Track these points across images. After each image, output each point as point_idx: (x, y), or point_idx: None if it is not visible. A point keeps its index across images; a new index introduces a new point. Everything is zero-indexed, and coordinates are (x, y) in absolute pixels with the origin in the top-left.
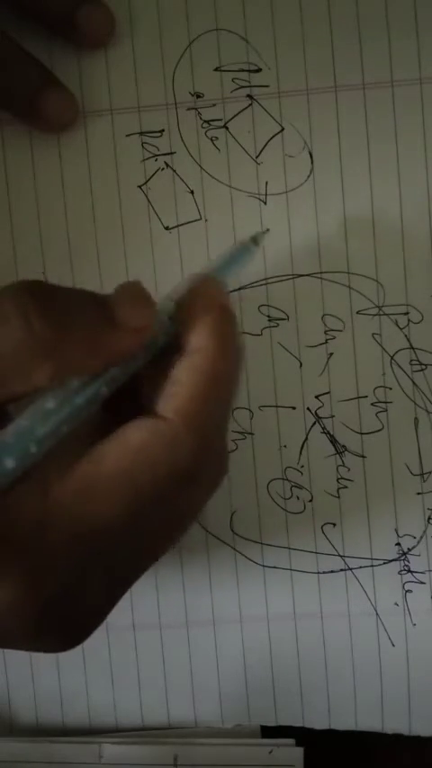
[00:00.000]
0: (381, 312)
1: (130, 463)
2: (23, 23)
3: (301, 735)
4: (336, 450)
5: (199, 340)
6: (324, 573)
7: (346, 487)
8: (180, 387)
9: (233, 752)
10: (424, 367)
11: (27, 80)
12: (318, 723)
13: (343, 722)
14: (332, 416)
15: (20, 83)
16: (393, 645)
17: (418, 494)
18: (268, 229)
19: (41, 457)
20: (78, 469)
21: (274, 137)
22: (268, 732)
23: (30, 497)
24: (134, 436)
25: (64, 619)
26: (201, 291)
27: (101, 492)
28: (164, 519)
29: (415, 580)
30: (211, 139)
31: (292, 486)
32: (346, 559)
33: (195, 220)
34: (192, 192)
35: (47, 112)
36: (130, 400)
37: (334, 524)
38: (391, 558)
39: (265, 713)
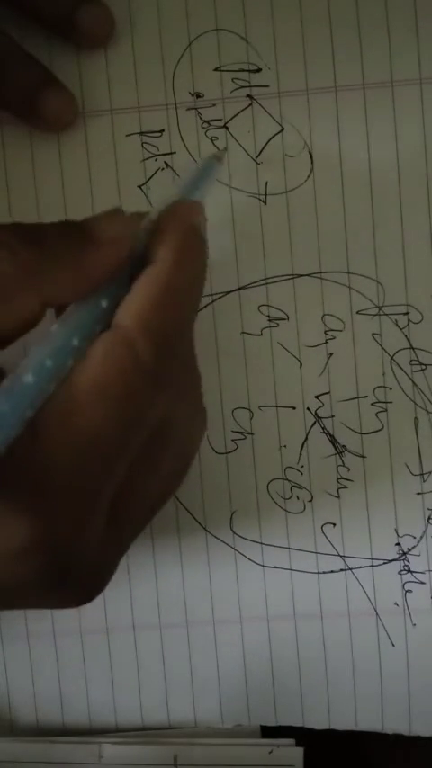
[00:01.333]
0: (381, 312)
1: (100, 373)
2: (23, 23)
3: (301, 735)
4: (336, 450)
5: (160, 252)
6: (324, 573)
7: (346, 487)
8: (136, 295)
9: (233, 752)
10: (424, 367)
11: (27, 80)
12: (318, 723)
13: (343, 722)
14: (332, 416)
15: (19, 82)
16: (393, 645)
17: (418, 494)
18: (227, 148)
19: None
20: (58, 395)
21: (274, 137)
22: (268, 732)
23: (21, 438)
24: (98, 348)
25: (77, 562)
26: (169, 212)
27: (82, 406)
28: (149, 427)
29: (415, 580)
30: (211, 139)
31: (292, 486)
32: (346, 559)
33: None
34: None
35: (46, 112)
36: None
37: (334, 524)
38: (391, 558)
39: (265, 713)
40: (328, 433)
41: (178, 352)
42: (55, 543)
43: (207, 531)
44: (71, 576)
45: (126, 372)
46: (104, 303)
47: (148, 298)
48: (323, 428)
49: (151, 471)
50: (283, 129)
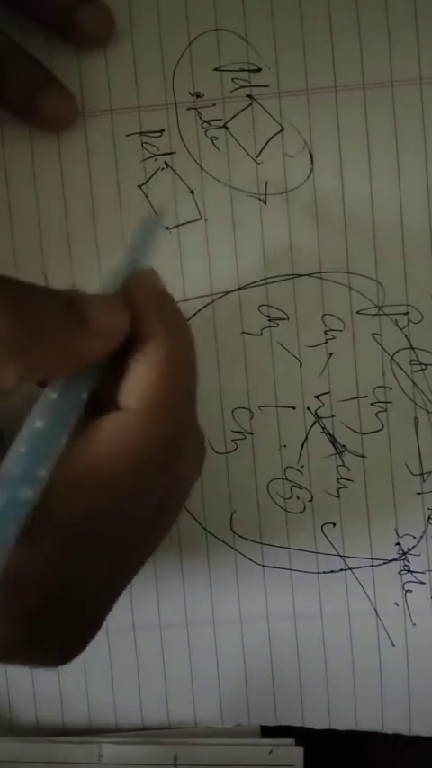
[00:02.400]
0: (381, 312)
1: (108, 453)
2: (23, 23)
3: (301, 735)
4: (336, 449)
5: (148, 328)
6: (324, 573)
7: (346, 487)
8: (139, 377)
9: (233, 752)
10: (424, 367)
11: (26, 80)
12: (317, 723)
13: (343, 722)
14: (332, 416)
15: (19, 82)
16: (393, 645)
17: (418, 494)
18: (164, 204)
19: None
20: (61, 467)
21: (273, 137)
22: (268, 732)
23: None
24: (108, 428)
25: (60, 623)
26: (136, 286)
27: (86, 483)
28: (150, 506)
29: (415, 580)
30: (211, 139)
31: (292, 485)
32: (346, 559)
33: (195, 220)
34: (192, 192)
35: (46, 112)
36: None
37: (334, 524)
38: (390, 558)
39: (265, 713)
40: (328, 432)
41: (184, 426)
42: (40, 604)
43: (207, 530)
44: (55, 635)
45: (136, 460)
46: (84, 394)
47: (150, 378)
48: (323, 428)
49: (147, 536)
50: (282, 129)
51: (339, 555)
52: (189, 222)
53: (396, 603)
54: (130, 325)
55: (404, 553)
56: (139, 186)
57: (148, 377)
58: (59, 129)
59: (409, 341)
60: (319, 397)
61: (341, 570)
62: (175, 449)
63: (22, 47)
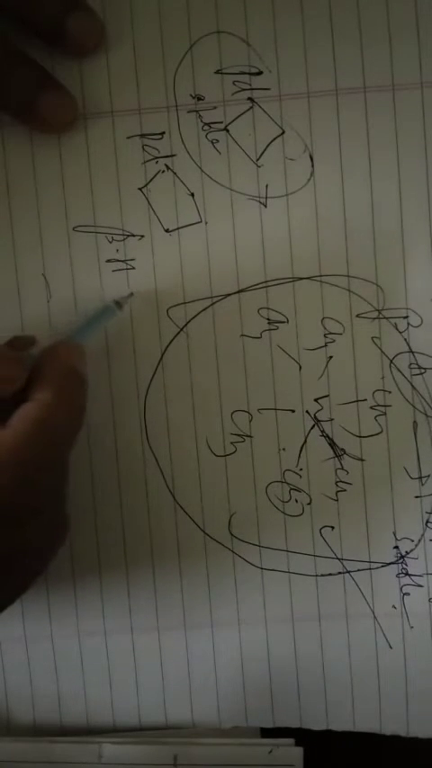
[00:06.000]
0: (380, 316)
1: None
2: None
3: (301, 734)
4: (334, 453)
5: (39, 393)
6: (322, 576)
7: (344, 491)
8: (9, 430)
9: (233, 752)
10: (423, 371)
11: (26, 82)
12: (315, 725)
13: (341, 724)
14: (331, 419)
15: (19, 85)
16: (391, 647)
17: (417, 497)
18: (132, 293)
19: None
20: None
21: (274, 140)
22: (268, 732)
23: None
24: None
25: None
26: (54, 351)
27: None
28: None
29: (413, 583)
30: (212, 142)
31: (291, 488)
32: (344, 562)
33: (196, 223)
34: (192, 195)
35: (46, 113)
36: None
37: (332, 527)
38: (388, 561)
39: (263, 715)
40: (327, 436)
41: (44, 484)
42: None
43: (205, 533)
44: None
45: None
46: None
47: (23, 434)
48: (322, 431)
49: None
50: (283, 132)
51: (337, 558)
52: (189, 225)
53: (394, 606)
54: (29, 387)
55: (402, 556)
56: (140, 188)
57: (17, 433)
58: (60, 130)
59: (408, 345)
60: (319, 401)
61: (339, 573)
62: (22, 502)
63: (20, 49)
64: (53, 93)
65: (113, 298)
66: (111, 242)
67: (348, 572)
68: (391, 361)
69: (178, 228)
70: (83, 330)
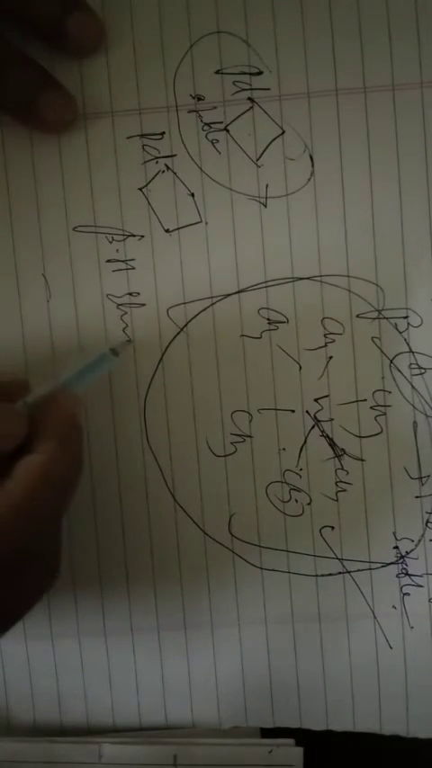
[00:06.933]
0: (380, 316)
1: None
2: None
3: (301, 734)
4: (334, 453)
5: (42, 444)
6: (322, 576)
7: (344, 491)
8: (14, 483)
9: (233, 752)
10: (423, 371)
11: (25, 82)
12: (315, 725)
13: (341, 724)
14: (331, 420)
15: (18, 85)
16: (391, 647)
17: (417, 497)
18: (130, 340)
19: None
20: None
21: (274, 140)
22: (268, 732)
23: None
24: None
25: None
26: (54, 402)
27: None
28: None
29: (413, 583)
30: (212, 142)
31: (291, 489)
32: (345, 562)
33: (196, 223)
34: (192, 195)
35: (45, 114)
36: None
37: (332, 527)
38: (389, 562)
39: (263, 715)
40: (327, 436)
41: (48, 533)
42: None
43: (205, 533)
44: None
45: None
46: None
47: (23, 486)
48: (322, 431)
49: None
50: (283, 132)
51: (337, 558)
52: (189, 225)
53: (394, 606)
54: (31, 437)
55: (402, 556)
56: (140, 189)
57: (22, 486)
58: (60, 130)
59: (408, 345)
60: (319, 401)
61: (339, 573)
62: (26, 553)
63: (20, 49)
64: (53, 93)
65: (110, 345)
66: (111, 242)
67: (348, 572)
68: (391, 362)
69: (178, 228)
70: (80, 377)
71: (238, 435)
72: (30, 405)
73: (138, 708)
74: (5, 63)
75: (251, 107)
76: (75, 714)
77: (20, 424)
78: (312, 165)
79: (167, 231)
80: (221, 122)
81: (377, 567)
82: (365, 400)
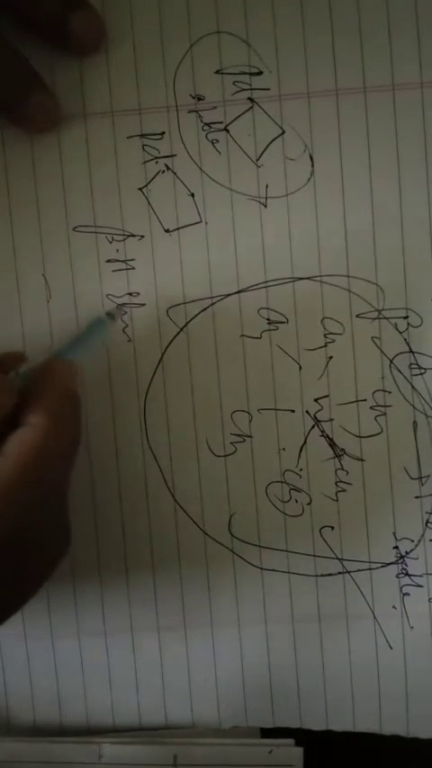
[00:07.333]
0: (380, 316)
1: None
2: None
3: (301, 734)
4: (334, 453)
5: (34, 417)
6: (322, 576)
7: (344, 491)
8: (6, 459)
9: (233, 752)
10: (423, 371)
11: (17, 82)
12: (315, 725)
13: (341, 724)
14: (331, 420)
15: (9, 85)
16: (391, 647)
17: (417, 497)
18: (123, 307)
19: None
20: None
21: (274, 140)
22: (268, 732)
23: None
24: None
25: None
26: (48, 371)
27: None
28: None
29: (413, 583)
30: (212, 142)
31: (291, 489)
32: (344, 562)
33: (195, 223)
34: (192, 195)
35: (34, 114)
36: None
37: (332, 527)
38: (388, 562)
39: (263, 715)
40: (327, 436)
41: (46, 508)
42: None
43: (205, 533)
44: None
45: None
46: None
47: (20, 463)
48: (322, 431)
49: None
50: (283, 132)
51: (337, 558)
52: (189, 225)
53: (394, 606)
54: (23, 409)
55: (402, 556)
56: (140, 189)
57: (14, 463)
58: (47, 130)
59: (408, 345)
60: (319, 401)
61: (339, 573)
62: (21, 534)
63: (15, 49)
64: (41, 94)
65: (105, 310)
66: (111, 242)
67: (348, 572)
68: (391, 362)
69: (178, 228)
70: (77, 345)
71: (238, 435)
72: (23, 375)
73: (138, 708)
74: (2, 63)
75: (251, 107)
76: (75, 714)
77: (7, 394)
78: (312, 165)
79: (167, 231)
80: (221, 122)
81: (377, 567)
82: (365, 400)
